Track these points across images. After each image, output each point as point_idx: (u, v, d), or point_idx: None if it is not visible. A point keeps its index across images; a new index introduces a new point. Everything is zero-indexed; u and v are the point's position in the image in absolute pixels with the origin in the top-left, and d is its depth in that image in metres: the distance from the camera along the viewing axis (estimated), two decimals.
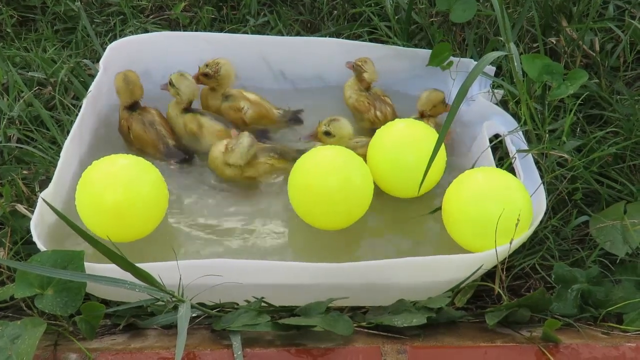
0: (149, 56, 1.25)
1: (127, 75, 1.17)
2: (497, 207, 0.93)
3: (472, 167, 1.10)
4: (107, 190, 0.95)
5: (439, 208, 1.02)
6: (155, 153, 1.15)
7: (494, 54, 0.95)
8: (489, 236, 0.91)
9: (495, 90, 1.20)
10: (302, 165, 1.02)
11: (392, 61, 1.28)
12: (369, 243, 1.05)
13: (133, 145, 1.16)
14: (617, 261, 0.98)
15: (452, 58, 1.24)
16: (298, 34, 1.43)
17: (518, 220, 0.90)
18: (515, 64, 1.00)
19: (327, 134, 1.11)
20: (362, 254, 1.03)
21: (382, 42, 1.34)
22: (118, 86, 1.16)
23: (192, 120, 1.17)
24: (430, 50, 1.25)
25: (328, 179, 0.99)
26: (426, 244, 1.05)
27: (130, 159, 1.00)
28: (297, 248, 1.05)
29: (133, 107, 1.17)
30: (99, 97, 1.18)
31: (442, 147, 1.02)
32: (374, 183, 1.05)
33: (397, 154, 1.05)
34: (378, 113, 1.21)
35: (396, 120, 1.11)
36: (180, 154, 1.15)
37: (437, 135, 1.03)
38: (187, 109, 1.19)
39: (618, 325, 0.91)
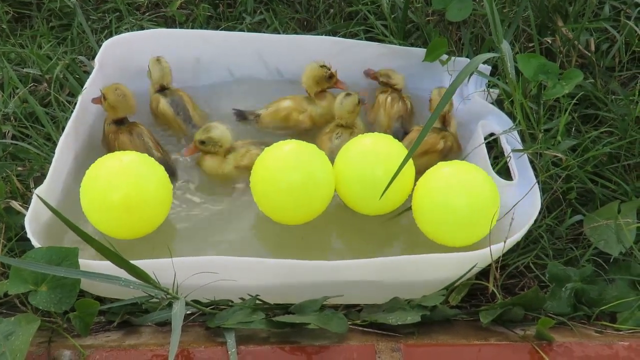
0: (144, 53, 1.24)
1: (120, 89, 1.14)
2: (462, 199, 0.95)
3: None
4: (114, 186, 0.95)
5: (408, 209, 1.02)
6: None
7: (483, 57, 0.95)
8: (455, 226, 0.95)
9: (491, 90, 1.20)
10: (264, 160, 1.01)
11: (388, 60, 1.28)
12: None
13: None
14: (611, 260, 0.99)
15: (448, 55, 1.24)
16: (294, 32, 1.42)
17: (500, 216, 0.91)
18: (508, 64, 1.00)
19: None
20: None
21: (378, 40, 1.34)
22: (113, 101, 1.13)
23: (154, 99, 1.21)
24: (426, 49, 1.26)
25: (289, 173, 0.98)
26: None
27: (135, 155, 1.00)
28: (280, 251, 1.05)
29: (121, 122, 1.14)
30: (94, 94, 1.17)
31: (411, 162, 1.01)
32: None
33: (362, 169, 1.02)
34: (388, 99, 1.21)
35: (365, 134, 1.08)
36: (166, 167, 1.09)
37: (404, 149, 1.03)
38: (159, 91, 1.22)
39: (611, 324, 0.91)
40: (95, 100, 1.15)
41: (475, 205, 0.95)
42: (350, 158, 1.04)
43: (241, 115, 1.23)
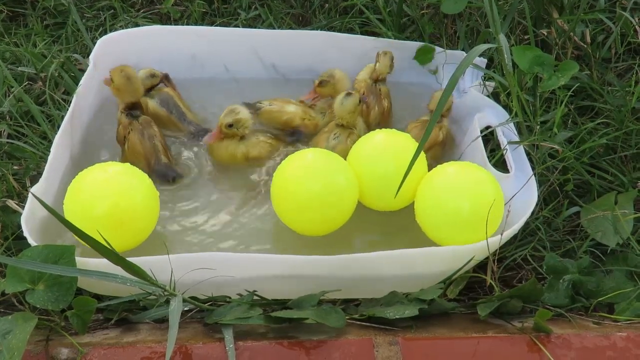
0: (139, 50, 1.24)
1: (125, 71, 1.12)
2: (466, 200, 0.94)
3: (460, 158, 1.11)
4: (98, 199, 0.92)
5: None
6: (144, 167, 1.10)
7: (482, 47, 0.95)
8: (458, 228, 0.94)
9: (487, 83, 1.20)
10: (284, 169, 0.99)
11: None
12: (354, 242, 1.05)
13: (125, 155, 1.12)
14: (608, 251, 0.99)
15: (443, 51, 1.24)
16: (289, 27, 1.42)
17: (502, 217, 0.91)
18: (505, 56, 1.00)
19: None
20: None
21: (374, 34, 1.34)
22: (119, 83, 1.11)
23: (142, 104, 1.18)
24: (421, 43, 1.26)
25: (310, 184, 0.96)
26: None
27: (120, 166, 0.97)
28: (284, 247, 1.04)
29: (133, 109, 1.13)
30: (89, 92, 1.17)
31: (423, 156, 1.00)
32: None
33: (375, 165, 1.01)
34: (363, 106, 1.20)
35: (376, 130, 1.07)
36: (170, 174, 1.10)
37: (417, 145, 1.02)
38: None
39: (609, 315, 0.91)
40: (106, 81, 1.13)
41: (479, 209, 0.93)
42: (363, 154, 1.03)
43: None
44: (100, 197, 0.93)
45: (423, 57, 1.24)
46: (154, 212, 0.98)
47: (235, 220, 1.06)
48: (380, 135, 1.04)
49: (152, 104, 1.19)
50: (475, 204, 0.94)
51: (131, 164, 1.10)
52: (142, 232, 0.97)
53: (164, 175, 1.11)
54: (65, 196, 0.95)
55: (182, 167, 1.14)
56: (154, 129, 1.13)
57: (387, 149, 1.02)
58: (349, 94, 1.13)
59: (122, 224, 0.93)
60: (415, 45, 1.27)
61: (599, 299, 0.92)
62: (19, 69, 1.29)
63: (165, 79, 1.24)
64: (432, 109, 1.17)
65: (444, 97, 0.86)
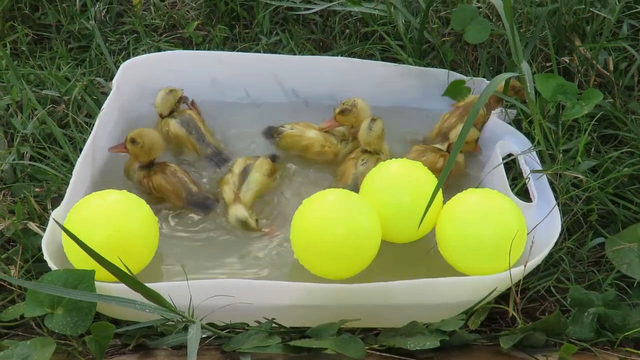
0: (161, 75, 1.25)
1: (136, 139, 1.11)
2: (489, 228, 0.92)
3: (479, 185, 1.10)
4: (96, 228, 0.91)
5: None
6: (177, 201, 1.10)
7: (504, 76, 0.94)
8: (481, 257, 0.92)
9: (509, 110, 1.19)
10: (305, 211, 0.97)
11: (405, 80, 1.28)
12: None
13: (154, 197, 1.11)
14: (634, 284, 0.96)
15: (464, 78, 1.24)
16: (310, 53, 1.43)
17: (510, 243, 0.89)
18: (528, 85, 0.99)
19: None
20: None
21: (394, 60, 1.34)
22: (133, 152, 1.11)
23: (164, 124, 1.20)
24: (442, 70, 1.26)
25: (333, 226, 0.93)
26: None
27: (119, 194, 0.96)
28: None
29: (149, 165, 1.13)
30: (111, 115, 1.18)
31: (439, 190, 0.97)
32: None
33: (389, 197, 0.99)
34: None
35: (389, 160, 1.05)
36: (208, 202, 1.10)
37: (431, 175, 1.01)
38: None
39: (636, 351, 0.89)
40: (115, 149, 1.13)
41: (503, 238, 0.91)
42: (377, 186, 1.01)
43: (269, 133, 1.24)
44: (100, 226, 0.91)
45: (455, 93, 1.23)
46: (153, 240, 0.97)
47: (250, 256, 1.05)
48: (393, 165, 1.03)
49: (173, 124, 1.20)
50: (498, 232, 0.92)
51: (160, 200, 1.11)
52: (141, 261, 0.96)
53: (203, 205, 1.10)
54: (64, 224, 0.92)
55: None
56: (172, 166, 1.13)
57: (400, 180, 1.01)
58: (373, 120, 1.14)
59: (124, 252, 0.90)
60: (437, 72, 1.26)
61: (626, 334, 0.90)
62: (43, 91, 1.30)
63: (192, 104, 1.25)
64: (451, 137, 1.17)
65: (465, 129, 0.86)
